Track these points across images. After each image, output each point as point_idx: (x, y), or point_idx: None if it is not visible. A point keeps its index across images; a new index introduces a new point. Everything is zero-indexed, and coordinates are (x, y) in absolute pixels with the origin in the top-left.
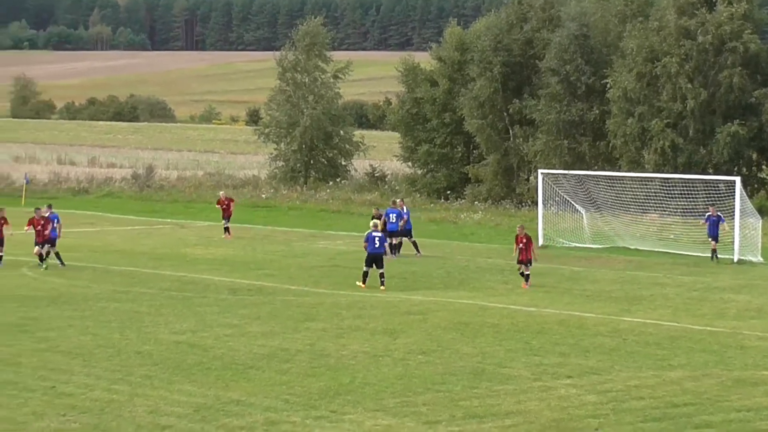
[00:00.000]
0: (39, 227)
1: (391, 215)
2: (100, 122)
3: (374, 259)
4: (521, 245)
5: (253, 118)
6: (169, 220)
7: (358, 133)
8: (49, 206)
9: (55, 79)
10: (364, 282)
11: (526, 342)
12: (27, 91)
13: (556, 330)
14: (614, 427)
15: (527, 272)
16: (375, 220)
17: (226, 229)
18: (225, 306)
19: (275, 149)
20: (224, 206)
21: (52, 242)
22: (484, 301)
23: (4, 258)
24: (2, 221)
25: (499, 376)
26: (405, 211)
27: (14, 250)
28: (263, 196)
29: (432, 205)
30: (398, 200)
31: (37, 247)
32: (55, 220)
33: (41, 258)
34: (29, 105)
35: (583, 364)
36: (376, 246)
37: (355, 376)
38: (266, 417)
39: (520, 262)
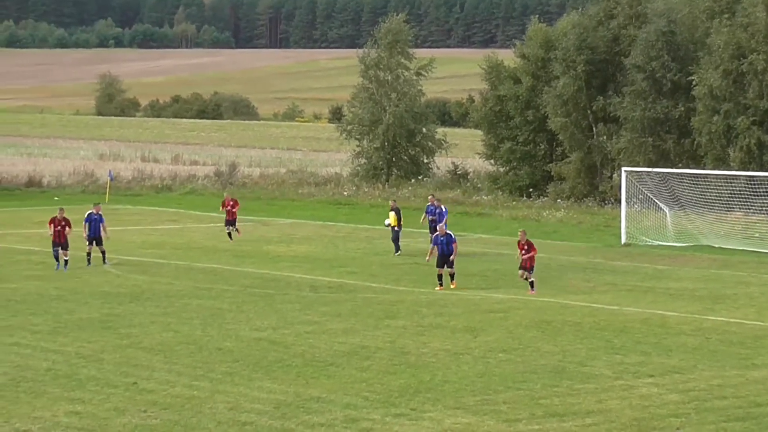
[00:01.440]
0: None
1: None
2: (184, 120)
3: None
4: (523, 251)
5: (336, 115)
6: (251, 218)
7: (440, 131)
8: (96, 204)
9: (139, 77)
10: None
11: (608, 341)
12: (112, 89)
13: (639, 329)
14: (696, 427)
15: (531, 278)
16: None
17: (229, 233)
18: (306, 303)
19: (357, 147)
20: (228, 208)
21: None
22: (565, 300)
23: (69, 261)
24: (65, 223)
25: (580, 375)
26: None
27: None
28: (345, 193)
29: (514, 202)
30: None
31: None
32: (101, 221)
33: None
34: (114, 103)
35: (665, 363)
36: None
37: (436, 374)
38: (346, 414)
39: (521, 268)
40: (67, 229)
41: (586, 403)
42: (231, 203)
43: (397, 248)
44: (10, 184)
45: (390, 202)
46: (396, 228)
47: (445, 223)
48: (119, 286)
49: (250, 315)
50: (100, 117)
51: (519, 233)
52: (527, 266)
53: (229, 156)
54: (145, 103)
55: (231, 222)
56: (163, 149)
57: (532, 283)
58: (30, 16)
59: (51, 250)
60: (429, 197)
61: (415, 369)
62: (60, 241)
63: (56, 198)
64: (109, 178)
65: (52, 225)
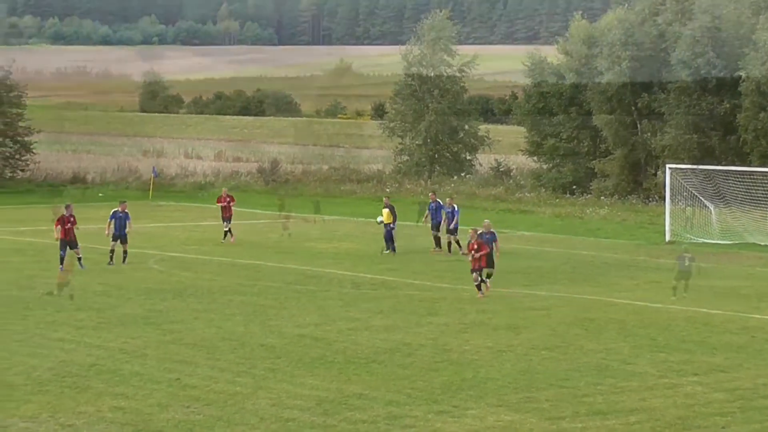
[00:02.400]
0: None
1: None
2: (227, 116)
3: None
4: (473, 249)
5: (379, 112)
6: (294, 214)
7: (483, 128)
8: (123, 202)
9: (183, 74)
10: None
11: (652, 338)
12: (156, 86)
13: (683, 327)
14: (741, 426)
15: (483, 278)
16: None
17: (228, 232)
18: (348, 300)
19: (400, 143)
20: (224, 204)
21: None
22: (609, 297)
23: (83, 260)
24: (73, 220)
25: (623, 373)
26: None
27: (141, 243)
28: (387, 190)
29: (557, 200)
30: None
31: None
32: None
33: None
34: (158, 99)
35: (709, 362)
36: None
37: (478, 371)
38: (388, 411)
39: (474, 270)
40: (74, 227)
41: (630, 402)
42: (227, 199)
43: (389, 246)
44: (55, 180)
45: (384, 199)
46: (392, 225)
47: (457, 222)
48: (162, 282)
49: (293, 311)
50: (144, 114)
51: (483, 224)
52: (478, 267)
53: (271, 152)
54: (189, 100)
55: (228, 218)
56: (206, 146)
57: (480, 285)
58: (75, 14)
59: (68, 250)
60: (430, 194)
61: (458, 366)
62: (68, 240)
63: (101, 194)
64: (152, 175)
65: (59, 224)
